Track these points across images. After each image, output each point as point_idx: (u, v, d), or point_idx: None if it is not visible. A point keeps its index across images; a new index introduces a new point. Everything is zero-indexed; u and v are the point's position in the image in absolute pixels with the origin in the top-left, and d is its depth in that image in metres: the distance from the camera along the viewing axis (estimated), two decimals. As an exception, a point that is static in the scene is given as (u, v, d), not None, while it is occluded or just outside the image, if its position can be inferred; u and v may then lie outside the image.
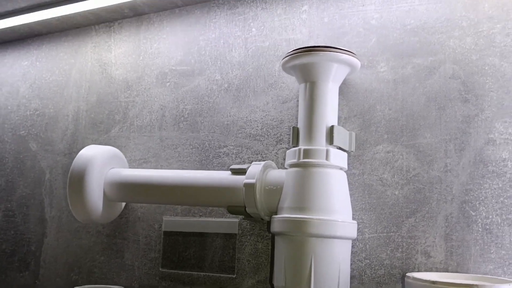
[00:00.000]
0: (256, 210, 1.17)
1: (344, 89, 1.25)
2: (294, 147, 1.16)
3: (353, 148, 1.19)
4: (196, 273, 1.37)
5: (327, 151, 1.11)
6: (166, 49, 1.54)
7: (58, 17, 1.63)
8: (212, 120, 1.43)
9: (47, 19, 1.64)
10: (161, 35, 1.56)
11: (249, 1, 1.44)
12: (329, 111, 1.16)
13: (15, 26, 1.72)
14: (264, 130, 1.35)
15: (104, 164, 1.37)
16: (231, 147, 1.39)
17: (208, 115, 1.44)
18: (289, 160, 1.15)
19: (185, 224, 1.41)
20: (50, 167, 1.68)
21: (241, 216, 1.32)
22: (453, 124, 1.14)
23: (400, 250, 1.14)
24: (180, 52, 1.52)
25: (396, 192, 1.17)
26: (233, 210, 1.21)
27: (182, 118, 1.48)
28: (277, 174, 1.18)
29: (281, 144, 1.32)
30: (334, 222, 1.05)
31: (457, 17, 1.18)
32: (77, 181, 1.32)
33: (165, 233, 1.43)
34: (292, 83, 1.34)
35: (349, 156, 1.22)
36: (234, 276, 1.32)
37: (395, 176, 1.18)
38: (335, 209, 1.07)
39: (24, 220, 1.70)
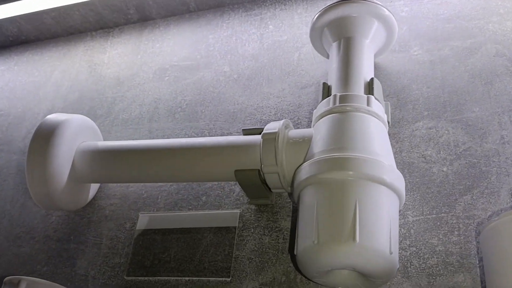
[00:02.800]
0: (275, 169, 0.92)
1: (374, 72, 1.12)
2: (324, 103, 0.98)
3: (389, 119, 1.02)
4: (175, 278, 1.02)
5: (368, 97, 0.94)
6: (170, 48, 1.41)
7: (53, 15, 1.51)
8: (216, 109, 1.24)
9: (42, 18, 1.51)
10: (165, 37, 1.45)
11: (266, 4, 1.38)
12: (367, 65, 1.02)
13: (2, 25, 1.57)
14: (279, 115, 1.17)
15: (76, 133, 1.10)
16: (236, 134, 1.17)
17: (211, 105, 1.25)
18: (319, 112, 0.96)
19: (167, 220, 1.11)
20: (1, 167, 1.37)
21: (239, 209, 1.05)
22: (504, 97, 1.01)
23: (456, 233, 0.89)
24: (185, 50, 1.39)
25: (444, 169, 0.97)
26: (242, 175, 0.95)
27: (179, 109, 1.28)
28: (302, 130, 0.97)
29: (299, 127, 1.13)
30: (381, 163, 0.82)
31: (493, 6, 1.13)
32: (41, 145, 1.04)
33: (139, 232, 1.11)
34: (312, 70, 1.21)
35: (384, 130, 1.03)
36: (229, 279, 0.99)
37: (441, 152, 0.99)
38: (380, 153, 0.85)
39: None
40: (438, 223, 0.91)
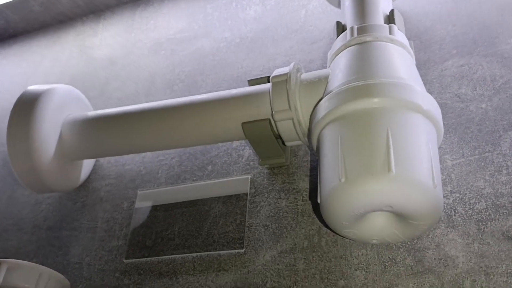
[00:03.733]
0: (289, 114, 0.80)
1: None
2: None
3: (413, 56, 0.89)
4: (181, 256, 0.89)
5: (390, 26, 0.82)
6: (165, 22, 1.31)
7: (41, 1, 1.42)
8: (218, 76, 1.12)
9: (29, 6, 1.42)
10: (160, 12, 1.35)
11: (267, -32, 1.28)
12: (385, 1, 0.90)
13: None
14: (288, 73, 1.04)
15: (62, 104, 0.99)
16: (242, 98, 1.05)
17: (213, 72, 1.13)
18: (335, 49, 0.84)
19: (169, 194, 0.98)
20: (-13, 160, 1.26)
21: (250, 174, 0.92)
22: (542, 25, 0.88)
23: (504, 172, 0.76)
24: (182, 23, 1.28)
25: (483, 106, 0.84)
26: (251, 128, 0.83)
27: (178, 80, 1.16)
28: (316, 71, 0.85)
29: (311, 83, 1.01)
30: (413, 88, 0.70)
31: None
32: (22, 117, 0.92)
33: (137, 210, 0.98)
34: (322, 24, 1.09)
35: (408, 72, 0.91)
36: (243, 250, 0.85)
37: (477, 89, 0.86)
38: (410, 79, 0.73)
39: None
40: (483, 164, 0.78)
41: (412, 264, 0.73)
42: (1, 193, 1.16)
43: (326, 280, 0.77)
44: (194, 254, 0.88)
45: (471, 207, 0.75)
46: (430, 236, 0.74)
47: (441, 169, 0.80)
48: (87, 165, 1.07)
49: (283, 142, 0.86)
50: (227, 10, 1.24)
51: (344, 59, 0.79)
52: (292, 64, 0.84)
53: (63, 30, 1.47)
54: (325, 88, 0.79)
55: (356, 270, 0.76)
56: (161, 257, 0.90)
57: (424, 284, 0.71)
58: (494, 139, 0.79)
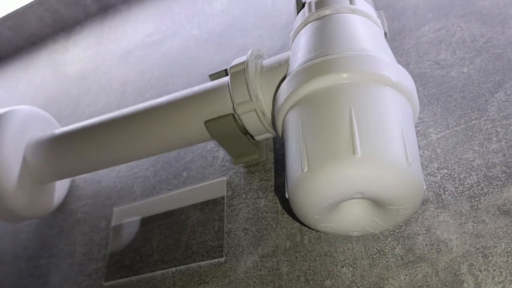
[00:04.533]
0: (251, 105, 0.73)
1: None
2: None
3: (385, 29, 0.82)
4: (160, 272, 0.83)
5: (351, -4, 0.74)
6: (133, 29, 1.26)
7: (9, 25, 1.38)
8: (188, 75, 1.06)
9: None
10: (128, 20, 1.29)
11: (231, -42, 1.21)
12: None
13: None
14: (258, 63, 0.98)
15: (22, 126, 0.94)
16: (214, 96, 0.99)
17: (183, 72, 1.07)
18: (294, 29, 0.77)
19: (145, 207, 0.92)
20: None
21: (226, 176, 0.85)
22: (522, -27, 0.80)
23: (494, 139, 0.68)
24: (150, 26, 1.23)
25: (465, 70, 0.76)
26: (214, 126, 0.77)
27: (149, 86, 1.10)
28: (277, 56, 0.78)
29: (282, 70, 0.94)
30: (378, 59, 0.62)
31: None
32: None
33: (115, 228, 0.92)
34: (290, 7, 1.02)
35: (382, 45, 0.83)
36: (223, 259, 0.78)
37: (457, 52, 0.78)
38: (375, 50, 0.65)
39: None
40: (470, 133, 0.70)
41: (402, 253, 0.66)
42: (-18, 226, 1.12)
43: (311, 282, 0.69)
44: (173, 269, 0.82)
45: (461, 182, 0.67)
46: (419, 220, 0.67)
47: (425, 144, 0.72)
48: (62, 187, 1.02)
49: (252, 137, 0.80)
50: (193, 6, 1.18)
51: (303, 38, 0.72)
52: (249, 52, 0.77)
53: (35, 51, 1.43)
54: (286, 71, 0.72)
55: (343, 267, 0.68)
56: (141, 275, 0.84)
57: (417, 275, 0.63)
58: (480, 104, 0.71)
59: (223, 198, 0.84)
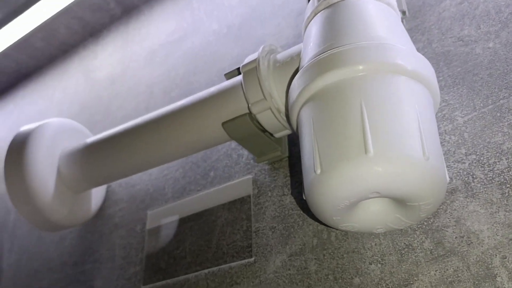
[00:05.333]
0: (265, 104, 0.71)
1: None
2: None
3: (404, 7, 0.77)
4: (193, 274, 0.84)
5: (361, -20, 0.70)
6: (156, 28, 1.26)
7: (41, 36, 1.42)
8: (210, 72, 1.05)
9: (31, 43, 1.42)
10: (151, 20, 1.30)
11: None
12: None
13: (0, 63, 1.51)
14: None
15: (54, 138, 0.96)
16: (236, 92, 0.97)
17: (205, 69, 1.06)
18: (305, 17, 0.74)
19: (177, 209, 0.93)
20: (17, 203, 1.27)
21: (252, 174, 0.84)
22: None
23: (526, 119, 0.63)
24: (171, 24, 1.23)
25: (490, 45, 0.70)
26: (232, 127, 0.76)
27: (174, 85, 1.11)
28: (290, 49, 0.76)
29: (301, 60, 0.91)
30: (392, 47, 0.59)
31: None
32: (16, 159, 0.91)
33: (150, 232, 0.94)
34: (307, -8, 0.98)
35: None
36: (253, 259, 0.78)
37: (482, 26, 0.73)
38: (390, 37, 0.62)
39: (-23, 280, 1.24)
40: (498, 114, 0.65)
41: (431, 247, 0.63)
42: (31, 235, 1.17)
43: (340, 280, 0.68)
44: (206, 271, 0.82)
45: (491, 168, 0.63)
46: (448, 211, 0.63)
47: (452, 129, 0.68)
48: (98, 193, 1.05)
49: (272, 134, 0.78)
50: (212, 0, 1.17)
51: (314, 29, 0.69)
52: (261, 48, 0.75)
53: (68, 58, 1.46)
54: (298, 65, 0.70)
55: (371, 264, 0.66)
56: (176, 278, 0.85)
57: (448, 270, 0.60)
58: (508, 81, 0.66)
59: (249, 196, 0.84)
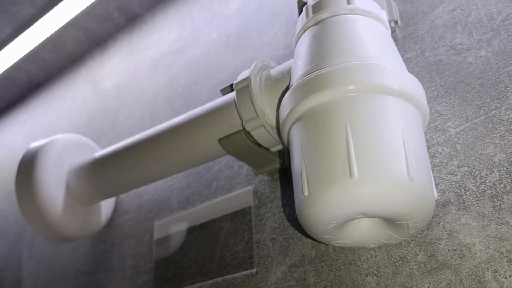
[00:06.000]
0: (258, 122, 0.73)
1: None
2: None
3: (396, 17, 0.77)
4: (199, 284, 0.86)
5: (349, -5, 0.71)
6: (158, 37, 1.28)
7: (49, 47, 1.45)
8: (210, 83, 1.06)
9: (41, 54, 1.45)
10: (154, 28, 1.31)
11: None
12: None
13: (12, 75, 1.54)
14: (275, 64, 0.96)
15: (62, 154, 0.99)
16: (236, 102, 0.99)
17: (206, 80, 1.08)
18: (296, 32, 0.75)
19: (182, 220, 0.95)
20: (33, 213, 1.32)
21: (252, 185, 0.86)
22: None
23: (517, 130, 0.63)
24: (173, 33, 1.24)
25: (482, 53, 0.70)
26: (228, 143, 0.77)
27: (176, 96, 1.12)
28: (282, 65, 0.76)
29: (298, 69, 0.92)
30: (378, 66, 0.60)
31: None
32: (24, 176, 0.94)
33: (158, 242, 0.97)
34: (303, -1, 0.99)
35: (395, 36, 0.79)
36: (255, 270, 0.80)
37: (474, 34, 0.72)
38: (377, 56, 0.62)
39: (-1, 288, 1.29)
40: (490, 125, 0.65)
41: (424, 260, 0.64)
42: (47, 244, 1.21)
43: (337, 292, 0.70)
44: (211, 281, 0.85)
45: (483, 180, 0.63)
46: (440, 224, 0.64)
47: (444, 140, 0.68)
48: (107, 203, 1.08)
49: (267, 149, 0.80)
50: (211, 9, 1.18)
51: (302, 47, 0.70)
52: (253, 64, 0.76)
53: (76, 68, 1.49)
54: (289, 83, 0.71)
55: (367, 276, 0.68)
56: (183, 288, 0.88)
57: (441, 283, 0.61)
58: (499, 91, 0.66)
59: (250, 208, 0.85)
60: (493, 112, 0.66)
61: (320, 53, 0.65)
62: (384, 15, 0.71)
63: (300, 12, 0.78)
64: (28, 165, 0.95)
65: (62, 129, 1.39)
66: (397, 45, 0.80)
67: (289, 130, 0.65)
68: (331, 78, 0.59)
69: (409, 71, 0.76)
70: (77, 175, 0.97)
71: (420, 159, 0.56)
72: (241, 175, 0.90)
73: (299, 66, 0.67)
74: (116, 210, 1.09)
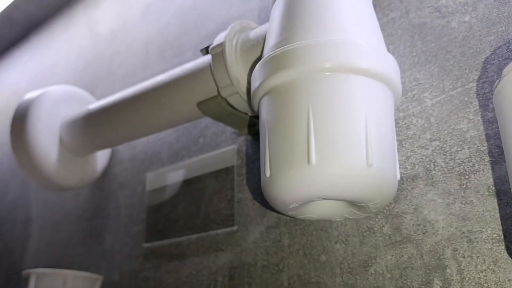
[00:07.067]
0: (233, 89, 0.72)
1: None
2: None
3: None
4: (186, 237, 0.90)
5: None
6: (151, -22, 1.23)
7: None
8: (199, 34, 1.04)
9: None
10: (146, -32, 1.26)
11: None
12: None
13: (11, 14, 1.53)
14: (262, 16, 0.93)
15: (55, 106, 1.01)
16: (223, 55, 0.97)
17: (195, 31, 1.05)
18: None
19: (171, 174, 0.97)
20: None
21: (236, 144, 0.87)
22: None
23: (491, 105, 0.61)
24: (164, -25, 1.19)
25: (467, 18, 0.66)
26: (206, 107, 0.77)
27: (167, 45, 1.11)
28: (259, 28, 0.74)
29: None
30: (348, 43, 0.57)
31: None
32: (18, 126, 0.97)
33: (150, 193, 1.00)
34: None
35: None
36: (235, 228, 0.83)
37: (461, -5, 0.68)
38: (351, 30, 0.59)
39: (11, 226, 1.37)
40: (466, 99, 0.63)
41: (390, 232, 0.65)
42: (51, 188, 1.26)
43: (309, 256, 0.72)
44: (196, 235, 0.88)
45: (453, 157, 0.62)
46: (408, 198, 0.65)
47: (420, 111, 0.67)
48: (103, 153, 1.11)
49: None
50: (202, -51, 1.12)
51: (277, 12, 0.67)
52: (229, 27, 0.74)
53: (73, 8, 1.47)
54: (261, 51, 0.69)
55: (336, 243, 0.70)
56: (171, 239, 0.92)
57: (403, 256, 0.63)
58: (479, 62, 0.63)
59: (233, 167, 0.87)
60: (470, 84, 0.63)
61: (290, 24, 0.62)
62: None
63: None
64: (20, 119, 0.97)
65: (61, 73, 1.40)
66: (382, 3, 0.76)
67: (259, 103, 0.64)
68: (295, 55, 0.58)
69: (392, 33, 0.73)
70: (69, 128, 0.99)
71: (383, 143, 0.56)
72: (226, 133, 0.91)
73: (270, 35, 0.65)
74: (112, 158, 1.12)
